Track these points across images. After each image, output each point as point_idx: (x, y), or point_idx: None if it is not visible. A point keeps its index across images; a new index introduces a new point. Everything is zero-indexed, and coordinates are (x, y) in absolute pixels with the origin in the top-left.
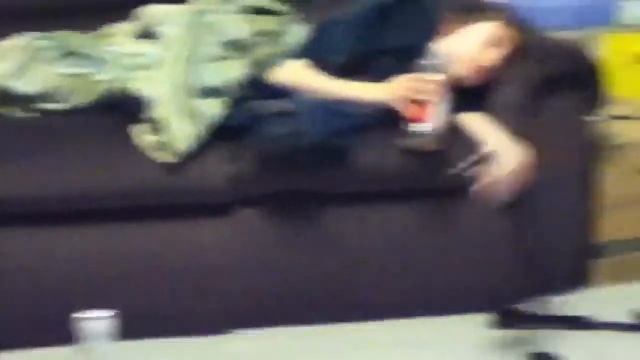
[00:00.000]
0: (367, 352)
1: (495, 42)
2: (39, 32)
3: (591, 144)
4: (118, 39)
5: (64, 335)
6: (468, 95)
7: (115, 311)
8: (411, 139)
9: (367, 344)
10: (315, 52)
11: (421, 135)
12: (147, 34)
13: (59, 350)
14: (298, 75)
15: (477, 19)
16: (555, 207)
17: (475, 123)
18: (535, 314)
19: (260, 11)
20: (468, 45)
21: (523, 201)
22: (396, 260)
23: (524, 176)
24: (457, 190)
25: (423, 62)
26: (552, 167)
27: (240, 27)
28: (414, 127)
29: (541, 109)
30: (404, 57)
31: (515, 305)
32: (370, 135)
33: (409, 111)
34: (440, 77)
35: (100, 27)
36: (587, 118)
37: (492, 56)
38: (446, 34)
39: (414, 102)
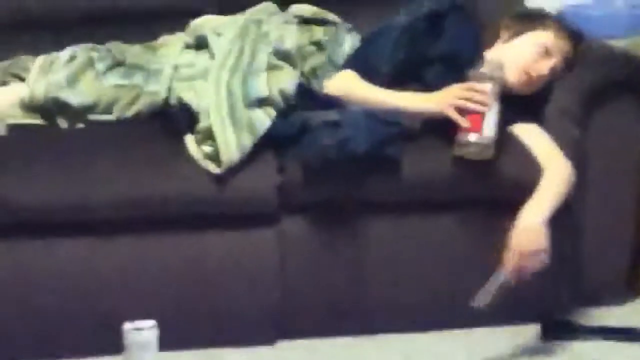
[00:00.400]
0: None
1: (547, 53)
2: (91, 44)
3: None
4: (171, 50)
5: (105, 344)
6: (518, 104)
7: (158, 320)
8: (464, 148)
9: (410, 355)
10: (364, 62)
11: (474, 144)
12: (200, 45)
13: None
14: (348, 85)
15: (530, 29)
16: (606, 216)
17: (527, 134)
18: (582, 325)
19: (311, 21)
20: (520, 55)
21: (571, 211)
22: (440, 270)
23: (569, 192)
24: (502, 200)
25: (474, 71)
26: (606, 174)
27: (293, 38)
28: (466, 136)
29: (595, 116)
30: (454, 66)
31: (562, 317)
32: (416, 145)
33: (460, 120)
34: (492, 85)
35: (155, 38)
36: None
37: (543, 66)
38: (498, 43)
39: (466, 111)
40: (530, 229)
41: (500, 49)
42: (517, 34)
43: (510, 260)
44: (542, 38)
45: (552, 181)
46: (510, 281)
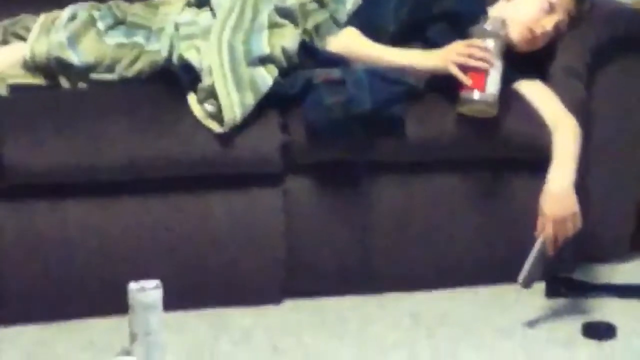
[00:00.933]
0: (418, 320)
1: (551, 9)
2: (92, 2)
3: None
4: (172, 8)
5: (113, 305)
6: (523, 62)
7: (164, 281)
8: (467, 106)
9: (417, 313)
10: (368, 20)
11: (477, 101)
12: (201, 3)
13: (110, 320)
14: (351, 42)
15: None
16: (611, 174)
17: (532, 92)
18: (587, 283)
19: None
20: (524, 11)
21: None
22: (445, 231)
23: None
24: (508, 158)
25: (476, 27)
26: (612, 133)
27: None
28: (469, 93)
29: (601, 75)
30: (458, 23)
31: (568, 274)
32: (421, 104)
33: (463, 78)
34: (494, 43)
35: None
36: None
37: (547, 23)
38: (501, 0)
39: (469, 68)
40: (560, 194)
41: (504, 6)
42: None
43: (547, 229)
44: None
45: (567, 142)
46: (548, 250)
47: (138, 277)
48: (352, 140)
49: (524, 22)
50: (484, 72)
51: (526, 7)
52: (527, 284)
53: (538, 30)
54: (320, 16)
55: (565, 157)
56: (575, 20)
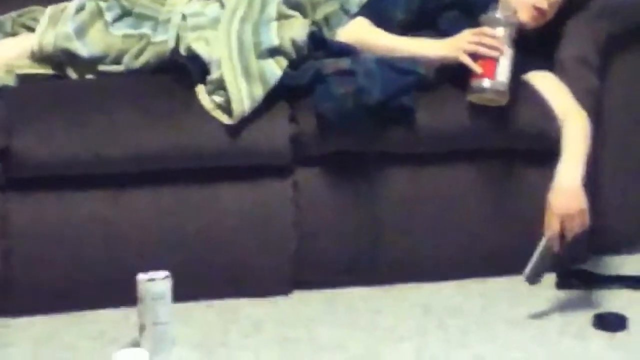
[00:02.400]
0: (428, 311)
1: None
2: None
3: None
4: None
5: (123, 296)
6: (532, 50)
7: (173, 272)
8: (478, 94)
9: (427, 305)
10: (378, 10)
11: (488, 90)
12: None
13: (119, 311)
14: (361, 32)
15: None
16: (624, 165)
17: (543, 83)
18: (598, 274)
19: None
20: None
21: (586, 163)
22: (455, 222)
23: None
24: (518, 149)
25: (487, 16)
26: (625, 124)
27: None
28: (480, 82)
29: (613, 65)
30: (470, 11)
31: (578, 267)
32: (431, 94)
33: (473, 66)
34: (504, 30)
35: None
36: None
37: None
38: None
39: (480, 57)
40: (568, 190)
41: None
42: None
43: (553, 225)
44: None
45: (576, 137)
46: (556, 246)
47: (147, 268)
48: (362, 130)
49: (528, 1)
50: (494, 61)
51: None
52: (532, 280)
53: (543, 4)
54: (330, 7)
55: (574, 152)
56: None
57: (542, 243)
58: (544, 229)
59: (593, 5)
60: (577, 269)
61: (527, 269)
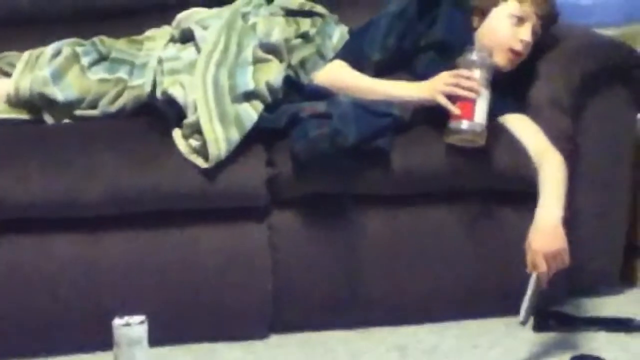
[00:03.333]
0: (405, 354)
1: (520, 20)
2: (76, 38)
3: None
4: (156, 43)
5: (98, 341)
6: (506, 90)
7: (150, 316)
8: (456, 135)
9: (404, 348)
10: (354, 52)
11: (465, 131)
12: (186, 38)
13: (95, 356)
14: (337, 74)
15: (492, 3)
16: (600, 206)
17: (518, 126)
18: (576, 316)
19: (298, 13)
20: (498, 35)
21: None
22: (432, 263)
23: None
24: (494, 190)
25: (463, 58)
26: (599, 164)
27: (280, 30)
28: (457, 123)
29: (586, 106)
30: (447, 53)
31: (556, 308)
32: (406, 136)
33: (451, 107)
34: (480, 72)
35: (141, 32)
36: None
37: (523, 35)
38: (478, 26)
39: (457, 98)
40: (548, 230)
41: (480, 34)
42: (485, 14)
43: (540, 265)
44: (508, 9)
45: (554, 178)
46: (542, 285)
47: (124, 312)
48: (338, 172)
49: (503, 44)
50: (471, 102)
51: (497, 29)
52: (526, 321)
53: (518, 46)
54: (306, 51)
55: (553, 192)
56: (546, 18)
57: (532, 283)
58: (530, 269)
59: (566, 45)
60: (555, 311)
61: (522, 310)
